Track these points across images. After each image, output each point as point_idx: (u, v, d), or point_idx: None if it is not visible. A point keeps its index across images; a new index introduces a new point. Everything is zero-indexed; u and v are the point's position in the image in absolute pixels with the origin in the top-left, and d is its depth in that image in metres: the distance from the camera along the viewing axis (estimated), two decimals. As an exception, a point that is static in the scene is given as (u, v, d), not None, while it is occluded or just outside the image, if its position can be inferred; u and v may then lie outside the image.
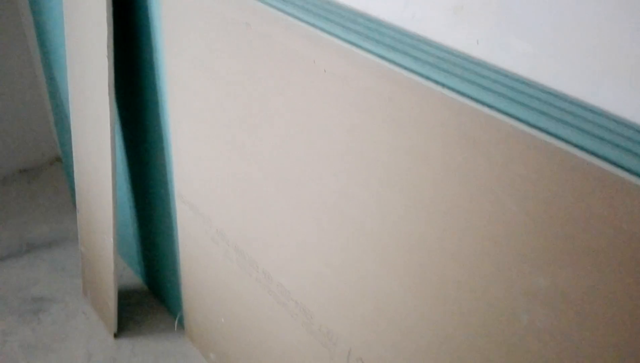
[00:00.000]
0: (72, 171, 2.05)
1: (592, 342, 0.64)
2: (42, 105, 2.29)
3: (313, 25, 0.81)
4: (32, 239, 2.05)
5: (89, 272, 1.74)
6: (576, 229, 0.61)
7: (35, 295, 1.84)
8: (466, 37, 0.73)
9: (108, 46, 1.18)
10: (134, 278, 1.94)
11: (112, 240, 1.49)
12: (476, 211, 0.70)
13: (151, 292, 1.89)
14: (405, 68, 0.72)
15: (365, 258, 0.89)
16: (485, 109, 0.65)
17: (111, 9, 1.15)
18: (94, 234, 1.59)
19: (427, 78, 0.70)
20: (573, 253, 0.63)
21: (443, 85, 0.69)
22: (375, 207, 0.83)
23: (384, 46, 0.76)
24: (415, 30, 0.78)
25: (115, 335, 1.71)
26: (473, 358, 0.79)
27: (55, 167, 2.42)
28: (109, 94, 1.24)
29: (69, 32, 1.35)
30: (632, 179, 0.55)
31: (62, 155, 2.08)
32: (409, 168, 0.75)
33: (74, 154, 1.56)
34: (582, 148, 0.60)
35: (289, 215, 1.02)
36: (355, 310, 0.96)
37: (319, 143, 0.87)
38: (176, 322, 1.75)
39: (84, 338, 1.70)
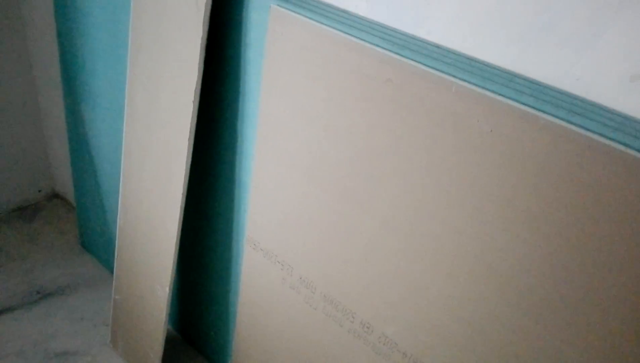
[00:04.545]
0: (86, 210, 1.93)
1: None
2: (39, 139, 2.14)
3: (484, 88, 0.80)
4: (42, 285, 1.90)
5: (122, 322, 1.63)
6: None
7: (57, 349, 1.69)
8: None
9: (195, 91, 1.13)
10: (161, 323, 1.83)
11: (167, 289, 1.40)
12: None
13: (183, 339, 1.79)
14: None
15: (509, 315, 0.89)
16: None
17: (204, 52, 1.10)
18: (139, 282, 1.50)
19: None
20: None
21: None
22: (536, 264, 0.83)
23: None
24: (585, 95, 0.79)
25: (156, 389, 1.61)
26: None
27: (54, 204, 2.26)
28: (189, 139, 1.18)
29: (136, 69, 1.28)
30: None
31: (75, 193, 1.95)
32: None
33: (121, 199, 1.46)
34: None
35: (403, 262, 1.00)
36: (488, 364, 0.95)
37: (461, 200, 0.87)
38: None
39: (123, 395, 1.59)
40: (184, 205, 1.27)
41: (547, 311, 0.84)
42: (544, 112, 0.76)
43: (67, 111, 1.76)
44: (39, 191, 2.24)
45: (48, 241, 2.08)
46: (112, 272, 1.89)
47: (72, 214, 2.18)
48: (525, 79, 0.81)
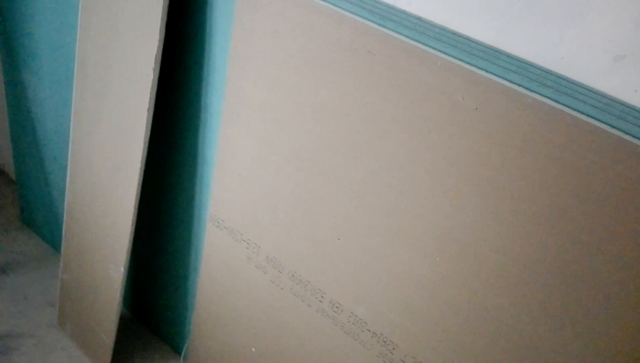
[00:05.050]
0: (28, 184, 1.80)
1: None
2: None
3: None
4: (-21, 264, 1.77)
5: (71, 302, 1.54)
6: None
7: (0, 331, 1.58)
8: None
9: (156, 57, 1.05)
10: (112, 303, 1.74)
11: (122, 269, 1.33)
12: None
13: (137, 320, 1.72)
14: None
15: (484, 295, 0.88)
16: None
17: (166, 15, 1.01)
18: (91, 261, 1.41)
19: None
20: None
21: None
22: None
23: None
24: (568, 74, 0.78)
25: (108, 372, 1.54)
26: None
27: (-10, 179, 2.10)
28: (148, 109, 1.10)
29: (88, 33, 1.17)
30: None
31: (15, 166, 1.81)
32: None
33: (70, 172, 1.36)
34: None
35: (377, 240, 0.98)
36: (462, 346, 0.95)
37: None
38: (184, 352, 1.61)
39: (73, 378, 1.51)
40: (141, 180, 1.20)
41: (522, 291, 0.84)
42: (530, 90, 0.74)
43: (5, 77, 1.62)
44: (-26, 164, 2.07)
45: (-15, 217, 1.93)
46: (57, 250, 1.78)
47: (12, 189, 2.03)
48: (512, 56, 0.79)
